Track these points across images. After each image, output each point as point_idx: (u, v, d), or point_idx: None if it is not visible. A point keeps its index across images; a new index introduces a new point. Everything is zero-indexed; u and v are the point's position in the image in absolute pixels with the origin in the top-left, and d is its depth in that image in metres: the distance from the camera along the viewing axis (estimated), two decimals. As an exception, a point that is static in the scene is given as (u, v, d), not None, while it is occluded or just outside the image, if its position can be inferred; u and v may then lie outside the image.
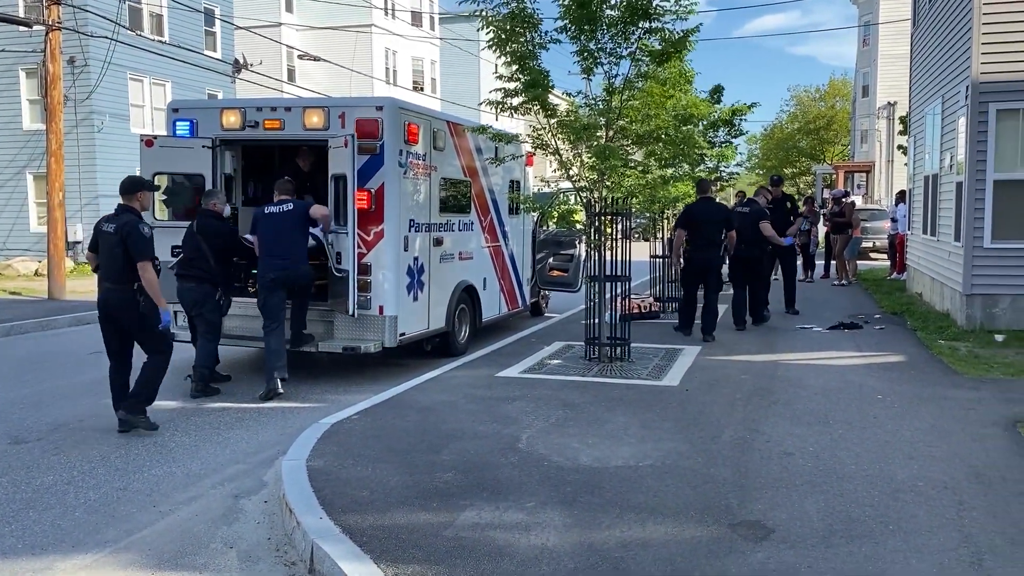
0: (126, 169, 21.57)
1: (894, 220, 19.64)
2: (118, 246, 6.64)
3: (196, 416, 7.56)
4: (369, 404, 7.39)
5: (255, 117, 9.07)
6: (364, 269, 8.66)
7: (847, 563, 4.13)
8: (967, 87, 11.14)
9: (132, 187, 6.92)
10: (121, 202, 6.89)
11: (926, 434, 6.37)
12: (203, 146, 9.11)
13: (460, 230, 10.35)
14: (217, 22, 27.03)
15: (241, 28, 28.15)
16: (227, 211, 8.79)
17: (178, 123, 9.35)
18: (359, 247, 8.64)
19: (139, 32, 23.64)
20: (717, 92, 15.80)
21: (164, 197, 9.31)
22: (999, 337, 10.49)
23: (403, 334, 8.90)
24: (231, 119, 9.12)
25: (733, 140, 15.79)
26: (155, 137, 9.27)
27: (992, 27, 10.79)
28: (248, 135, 9.18)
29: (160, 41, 24.42)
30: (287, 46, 34.84)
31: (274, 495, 5.48)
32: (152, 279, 6.64)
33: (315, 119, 8.76)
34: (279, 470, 5.69)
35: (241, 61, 27.17)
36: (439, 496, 5.07)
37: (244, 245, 8.64)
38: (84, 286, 18.35)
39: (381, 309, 8.69)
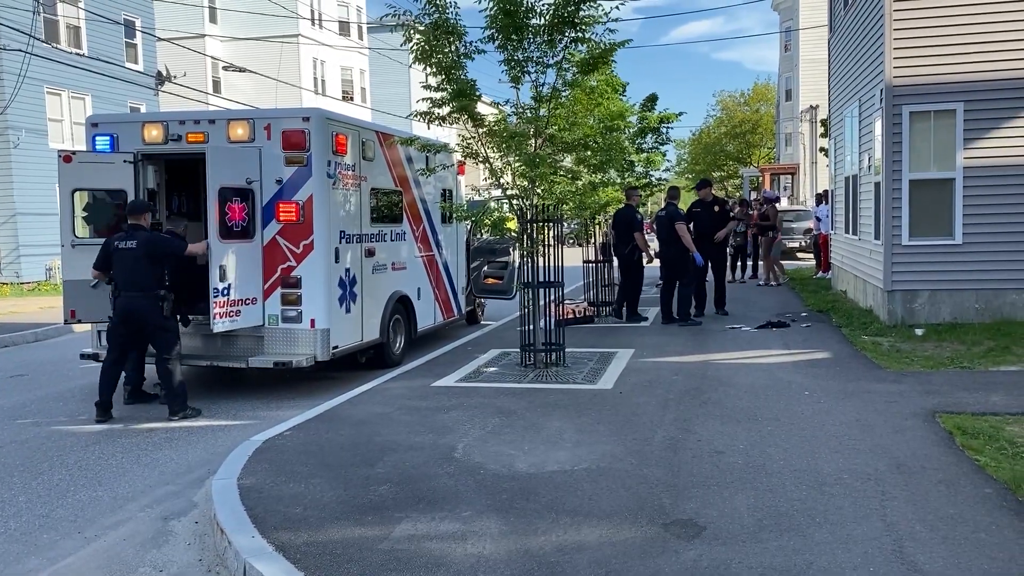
0: (45, 186, 21.11)
1: (818, 219, 20.22)
2: (143, 258, 7.73)
3: (123, 437, 7.36)
4: (302, 419, 7.29)
5: (178, 130, 8.90)
6: (294, 282, 8.56)
7: (776, 557, 4.23)
8: (881, 90, 11.54)
9: (141, 208, 8.05)
10: (131, 221, 7.93)
11: (851, 428, 6.56)
12: (124, 161, 8.89)
13: (392, 240, 10.30)
14: (138, 34, 26.42)
15: (163, 40, 27.57)
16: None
17: (98, 138, 9.12)
18: (288, 260, 8.54)
19: (55, 45, 22.99)
20: (651, 101, 16.10)
21: (85, 214, 9.05)
22: (919, 331, 10.87)
23: (336, 347, 8.81)
24: (153, 133, 8.93)
25: (661, 147, 16.10)
26: (74, 153, 9.02)
27: (903, 32, 11.20)
28: (171, 149, 8.99)
29: (78, 54, 23.76)
30: (212, 57, 34.23)
31: (205, 515, 5.37)
32: (195, 249, 8.13)
33: (240, 131, 8.63)
34: (209, 489, 5.57)
35: (164, 73, 26.61)
36: (374, 510, 5.03)
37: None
38: (1, 308, 17.70)
39: (313, 322, 8.60)
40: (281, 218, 8.56)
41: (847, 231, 15.03)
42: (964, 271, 11.20)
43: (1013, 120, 10.94)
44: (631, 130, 14.81)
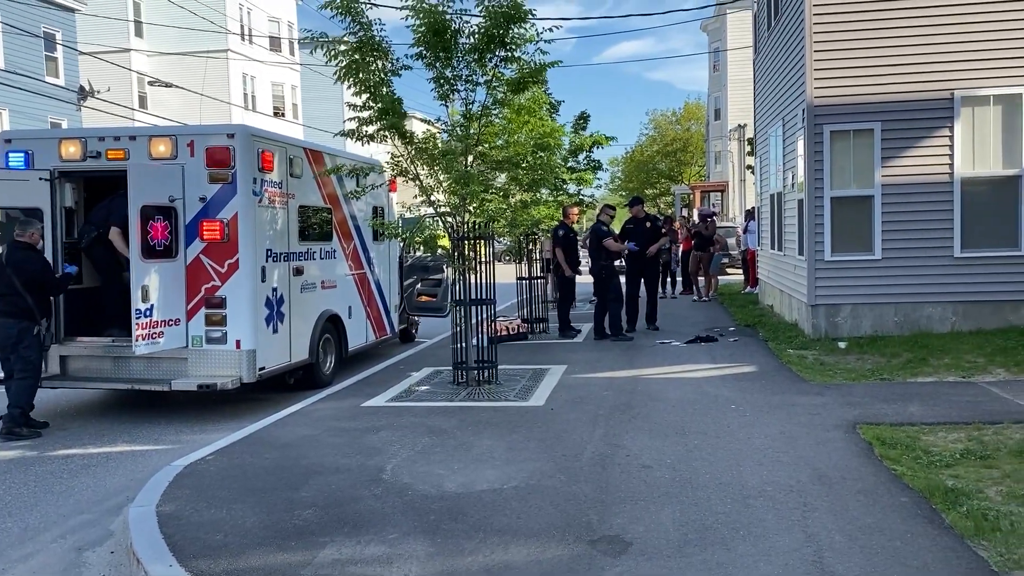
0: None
1: (748, 232, 20.65)
2: None
3: (37, 465, 7.07)
4: (226, 443, 7.11)
5: (97, 147, 8.65)
6: (218, 302, 8.37)
7: (700, 571, 4.26)
8: (803, 110, 11.87)
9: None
10: None
11: (775, 440, 6.68)
12: (40, 178, 8.61)
13: (322, 258, 10.16)
14: (59, 47, 25.70)
15: (86, 54, 26.85)
16: (42, 244, 8.27)
17: (11, 154, 8.82)
18: (213, 279, 8.36)
19: (-30, 58, 22.21)
20: (583, 120, 16.27)
21: (-2, 233, 8.72)
22: (842, 344, 11.15)
23: (263, 368, 8.62)
24: (70, 149, 8.68)
25: (593, 169, 16.27)
26: (-16, 170, 8.69)
27: (823, 54, 11.55)
28: (90, 166, 8.74)
29: (-6, 67, 23.00)
30: (138, 72, 33.47)
31: (121, 545, 5.18)
32: None
33: (162, 148, 8.43)
34: (127, 517, 5.38)
35: (87, 88, 25.90)
36: (298, 535, 4.92)
37: (55, 278, 8.25)
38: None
39: (238, 343, 8.40)
40: (205, 236, 8.37)
41: (773, 247, 15.38)
42: (884, 285, 11.55)
43: (927, 139, 11.36)
44: (563, 150, 14.94)
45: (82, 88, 26.22)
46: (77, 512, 5.92)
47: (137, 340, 7.95)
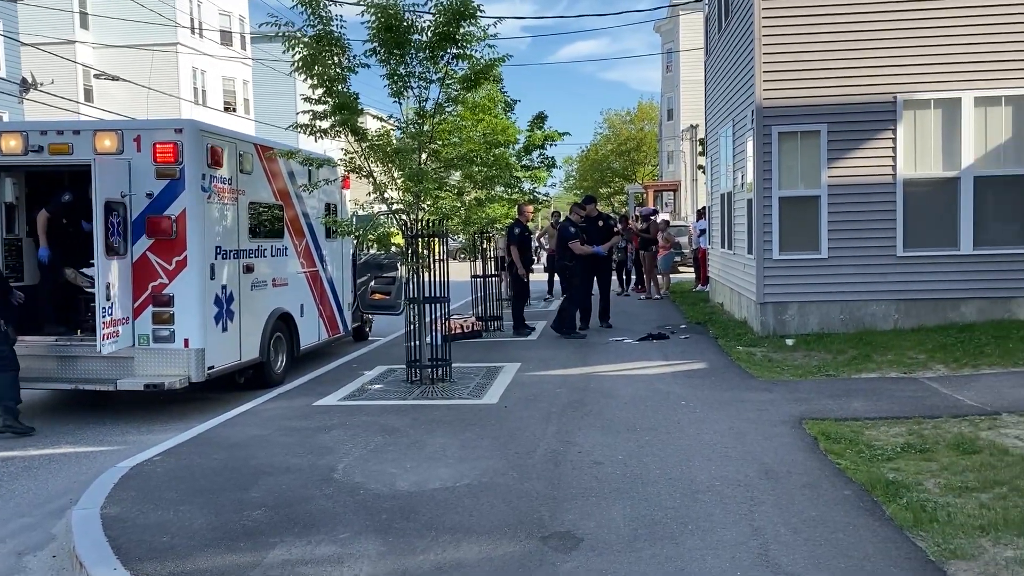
0: None
1: (702, 233, 20.90)
2: None
3: (-25, 468, 6.89)
4: (174, 443, 7.00)
5: (39, 141, 8.44)
6: (166, 300, 8.24)
7: (650, 565, 4.32)
8: (752, 111, 12.06)
9: None
10: None
11: (723, 436, 6.79)
12: (-22, 173, 8.39)
13: (273, 256, 10.05)
14: (0, 38, 24.97)
15: (28, 45, 26.13)
16: None
17: (-52, 148, 8.56)
18: (160, 277, 8.22)
19: (-94, 47, 21.47)
20: (540, 119, 16.35)
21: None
22: (789, 341, 11.36)
23: (212, 367, 8.50)
24: (11, 143, 8.45)
25: (548, 167, 16.37)
26: (-80, 164, 8.44)
27: (772, 56, 11.75)
28: (31, 160, 8.52)
29: (-68, 58, 22.28)
30: (83, 65, 32.70)
31: (64, 548, 5.07)
32: None
33: (107, 143, 8.25)
34: (69, 520, 5.28)
35: (30, 80, 25.22)
36: (247, 536, 4.87)
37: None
38: None
39: (186, 342, 8.27)
40: (152, 233, 8.24)
41: (723, 246, 15.60)
42: (830, 284, 11.79)
43: (871, 141, 11.62)
44: (517, 147, 14.99)
45: (24, 80, 25.50)
46: (17, 516, 5.78)
47: (104, 339, 7.80)
